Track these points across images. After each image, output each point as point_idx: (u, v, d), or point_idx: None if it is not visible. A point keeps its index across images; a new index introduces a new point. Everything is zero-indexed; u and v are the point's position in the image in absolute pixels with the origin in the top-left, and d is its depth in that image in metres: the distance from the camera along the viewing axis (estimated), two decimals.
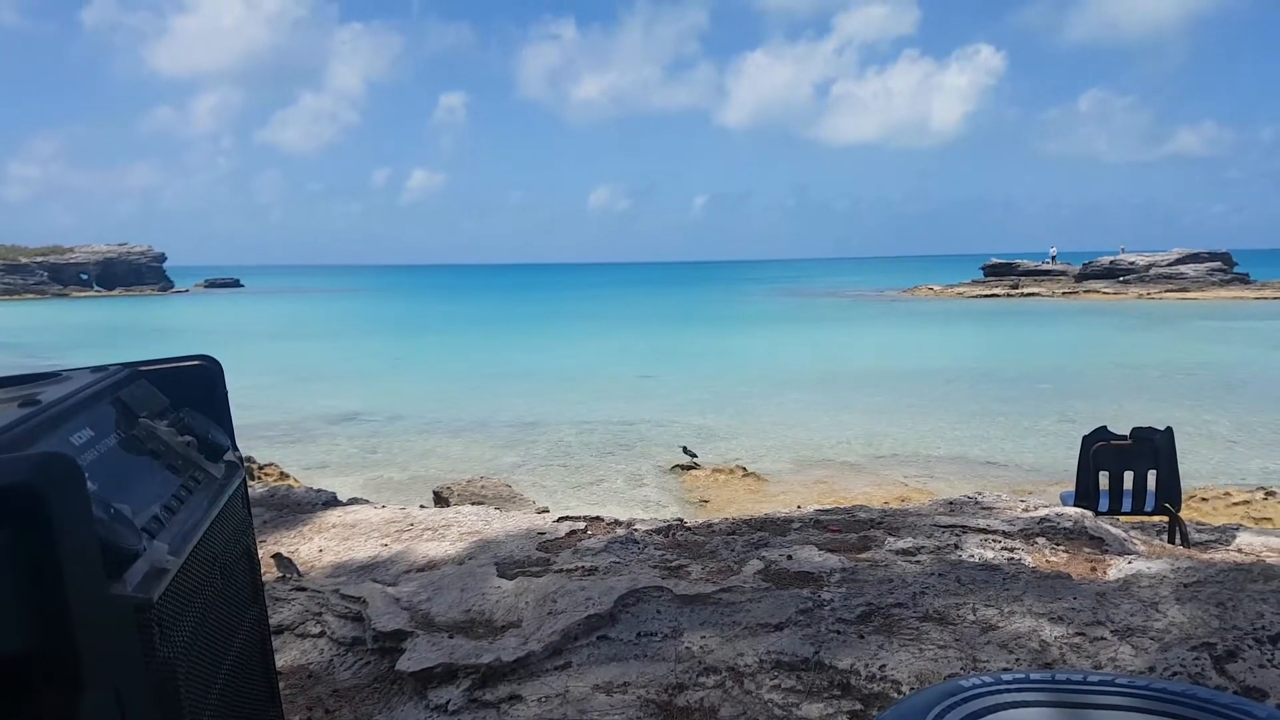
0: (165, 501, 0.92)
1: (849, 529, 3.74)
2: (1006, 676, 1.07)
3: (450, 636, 2.53)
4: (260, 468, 14.73)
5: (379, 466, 17.18)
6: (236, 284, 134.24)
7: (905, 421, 20.63)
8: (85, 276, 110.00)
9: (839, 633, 2.52)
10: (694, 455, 17.02)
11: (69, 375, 1.06)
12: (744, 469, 15.14)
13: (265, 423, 21.29)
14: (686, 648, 2.43)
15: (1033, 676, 1.08)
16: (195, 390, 1.17)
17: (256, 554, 1.26)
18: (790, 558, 3.01)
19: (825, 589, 2.76)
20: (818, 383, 26.79)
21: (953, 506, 4.16)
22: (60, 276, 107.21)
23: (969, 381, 26.66)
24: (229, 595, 1.11)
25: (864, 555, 3.19)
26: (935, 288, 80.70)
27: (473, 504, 11.43)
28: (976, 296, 70.00)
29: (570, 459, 17.03)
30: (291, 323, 61.85)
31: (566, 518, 3.82)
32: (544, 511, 10.79)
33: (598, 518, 3.83)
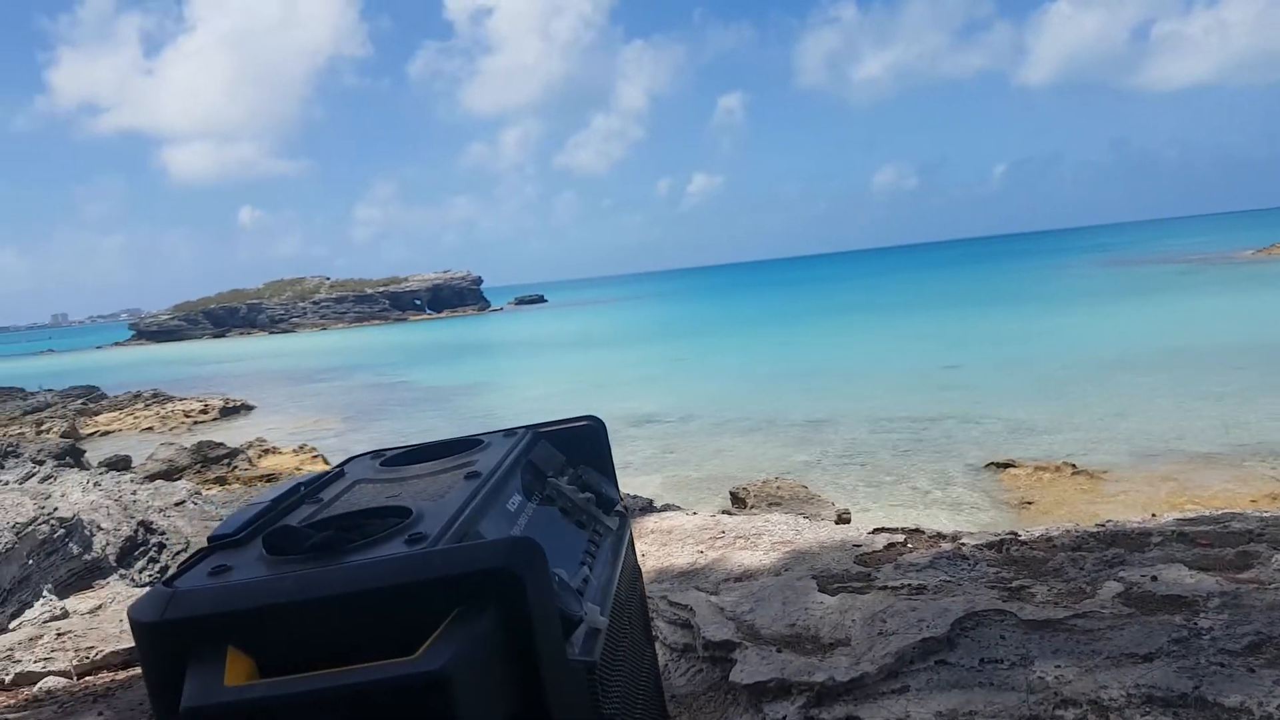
0: (581, 559, 1.02)
1: (1222, 543, 3.25)
2: None
3: (778, 650, 2.54)
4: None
5: (676, 466, 17.86)
6: (541, 299, 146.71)
7: (1269, 404, 17.68)
8: (419, 302, 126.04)
9: (1223, 665, 2.19)
10: None
11: (489, 441, 1.20)
12: (1073, 465, 13.78)
13: None
14: (1039, 677, 2.24)
15: None
16: (584, 447, 1.30)
17: (645, 596, 1.37)
18: (1155, 579, 2.67)
19: (1202, 615, 2.42)
20: (1156, 363, 23.76)
21: None
22: (399, 303, 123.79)
23: None
24: (635, 640, 1.21)
25: (1245, 575, 2.75)
26: None
27: (770, 504, 11.52)
28: None
29: (868, 458, 16.54)
30: (589, 332, 66.25)
31: (882, 529, 3.70)
32: (844, 517, 10.59)
33: (917, 529, 3.67)
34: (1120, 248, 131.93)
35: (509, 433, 1.24)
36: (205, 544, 0.90)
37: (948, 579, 2.96)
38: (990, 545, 3.42)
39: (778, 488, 11.75)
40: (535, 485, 1.11)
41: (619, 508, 1.24)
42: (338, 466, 1.21)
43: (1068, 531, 3.72)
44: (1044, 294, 55.54)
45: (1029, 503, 12.88)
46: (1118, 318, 37.69)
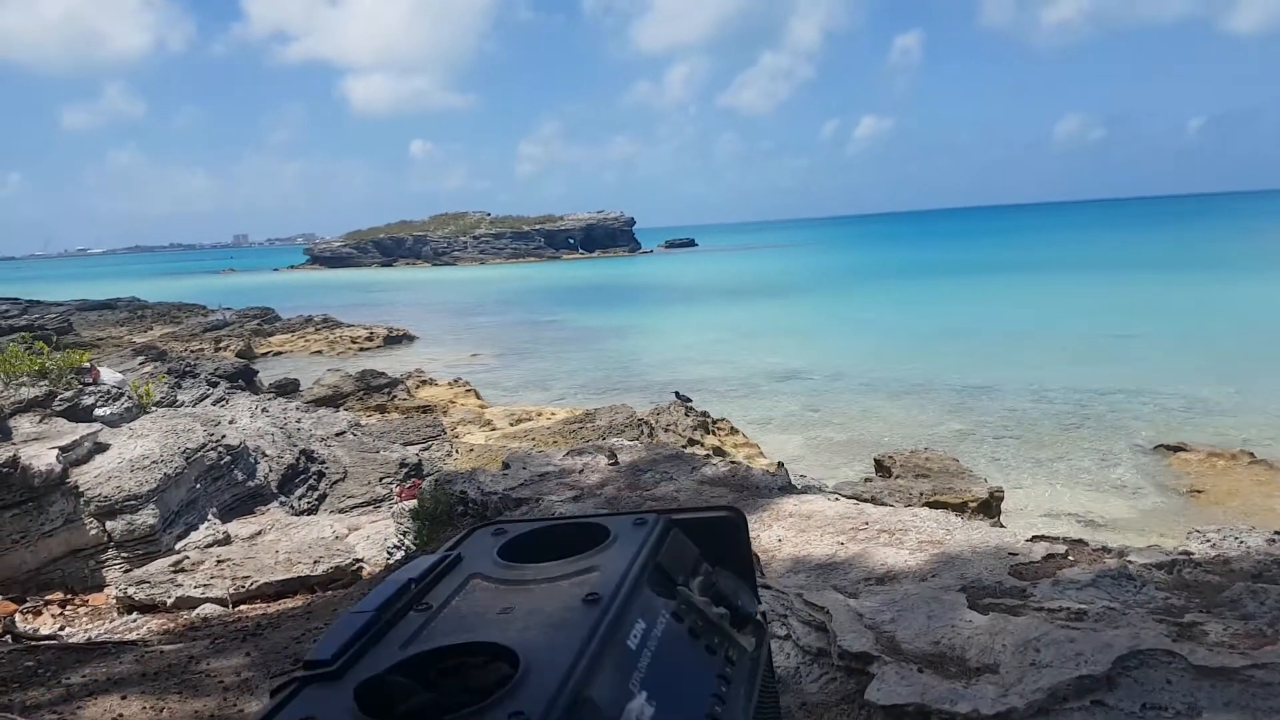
0: (710, 702, 0.92)
1: None
2: None
3: (920, 670, 2.45)
4: (714, 421, 15.96)
5: (819, 426, 17.57)
6: (691, 244, 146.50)
7: None
8: (572, 241, 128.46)
9: None
10: (688, 400, 14.51)
11: (616, 532, 1.08)
12: (1250, 454, 12.66)
13: (719, 378, 23.02)
14: None
15: None
16: (722, 542, 1.17)
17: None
18: None
19: None
20: None
21: None
22: (553, 241, 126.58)
23: None
24: None
25: None
26: None
27: (916, 475, 11.14)
28: None
29: (1027, 430, 15.74)
30: (739, 280, 65.66)
31: (1041, 537, 3.49)
32: (996, 496, 10.11)
33: (1080, 541, 3.43)
34: None
35: (639, 520, 1.12)
36: (300, 667, 0.85)
37: (1111, 604, 2.76)
38: (1160, 565, 3.16)
39: (926, 459, 11.35)
40: (662, 596, 0.98)
41: (758, 616, 1.12)
42: (457, 541, 1.15)
43: (1247, 552, 3.39)
44: (1234, 260, 50.57)
45: (1199, 491, 11.97)
46: None
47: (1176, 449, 13.53)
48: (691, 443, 14.45)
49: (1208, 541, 3.78)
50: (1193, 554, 3.41)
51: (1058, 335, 26.82)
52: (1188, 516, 10.64)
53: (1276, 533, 3.83)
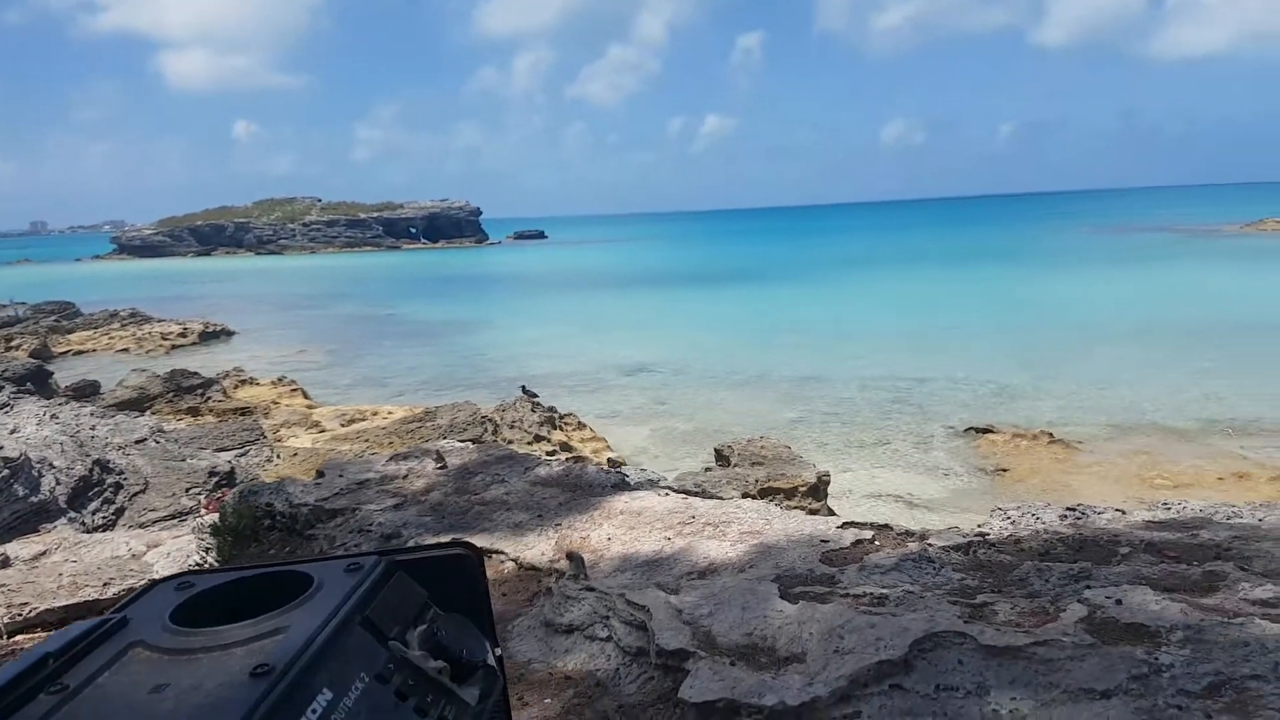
0: None
1: (1189, 555, 3.21)
2: None
3: (732, 663, 2.49)
4: (561, 416, 15.90)
5: (665, 417, 17.89)
6: (541, 235, 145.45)
7: (1246, 382, 17.83)
8: (414, 230, 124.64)
9: (1180, 709, 2.15)
10: (535, 396, 15.62)
11: (321, 580, 0.96)
12: (1050, 434, 13.88)
13: (566, 372, 22.97)
14: (994, 709, 2.20)
15: None
16: (454, 581, 1.07)
17: None
18: (1119, 602, 2.62)
19: (1164, 649, 2.37)
20: (1139, 335, 23.86)
21: None
22: (393, 230, 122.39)
23: None
24: None
25: (1210, 600, 2.70)
26: None
27: (752, 463, 11.52)
28: None
29: (853, 417, 16.61)
30: (588, 272, 65.89)
31: (852, 523, 3.64)
32: (823, 479, 10.59)
33: (886, 526, 3.61)
34: (1117, 214, 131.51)
35: (353, 566, 0.99)
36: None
37: (911, 588, 2.90)
38: (957, 547, 3.37)
39: (761, 447, 11.76)
40: (367, 659, 0.87)
41: (489, 663, 1.03)
42: (131, 599, 0.99)
43: (1037, 532, 3.67)
44: (1038, 258, 55.50)
45: (1004, 470, 12.98)
46: (1107, 285, 37.72)
47: (985, 431, 14.62)
48: (537, 439, 14.33)
49: (1009, 519, 4.08)
50: (988, 535, 3.66)
51: (882, 327, 28.51)
52: (993, 494, 11.53)
53: (1068, 509, 4.17)
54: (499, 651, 1.05)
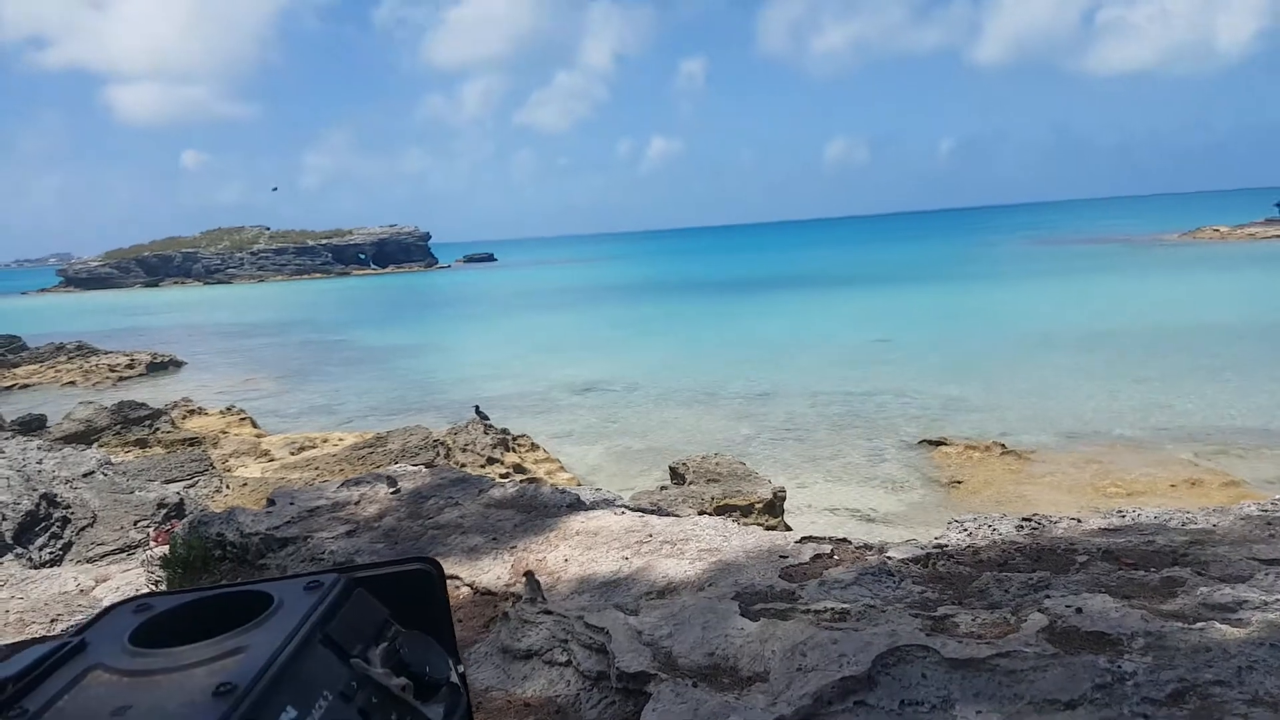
0: None
1: (1146, 562, 3.22)
2: None
3: (694, 685, 2.41)
4: (515, 438, 15.71)
5: (618, 436, 17.78)
6: (490, 258, 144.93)
7: (1191, 388, 18.29)
8: (363, 256, 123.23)
9: (1146, 716, 2.13)
10: (487, 418, 15.81)
11: (281, 599, 0.94)
12: (1002, 445, 14.05)
13: (519, 393, 22.77)
14: None
15: None
16: (414, 597, 1.05)
17: None
18: (1080, 611, 2.60)
19: (1126, 656, 2.35)
20: (1082, 344, 24.41)
21: (1272, 528, 3.49)
22: (342, 257, 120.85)
23: (1270, 341, 23.11)
24: None
25: (1169, 607, 2.70)
26: (1221, 229, 70.81)
27: (708, 480, 11.48)
28: (1273, 238, 60.65)
29: (806, 432, 16.68)
30: (538, 294, 65.66)
31: (809, 538, 3.60)
32: (779, 495, 10.58)
33: (844, 540, 3.57)
34: (1055, 226, 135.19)
35: (312, 583, 0.98)
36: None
37: (871, 602, 2.86)
38: (916, 559, 3.34)
39: (716, 464, 11.71)
40: (330, 671, 0.86)
41: (452, 680, 1.01)
42: (89, 623, 0.96)
43: (994, 543, 3.66)
44: (980, 271, 56.67)
45: (958, 482, 13.09)
46: (1049, 297, 38.62)
47: (938, 443, 14.75)
48: (491, 461, 14.13)
49: (965, 530, 4.06)
50: (946, 546, 3.63)
51: (831, 342, 28.80)
52: (949, 506, 11.62)
53: (1024, 519, 4.17)
54: (462, 669, 1.03)
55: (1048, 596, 2.78)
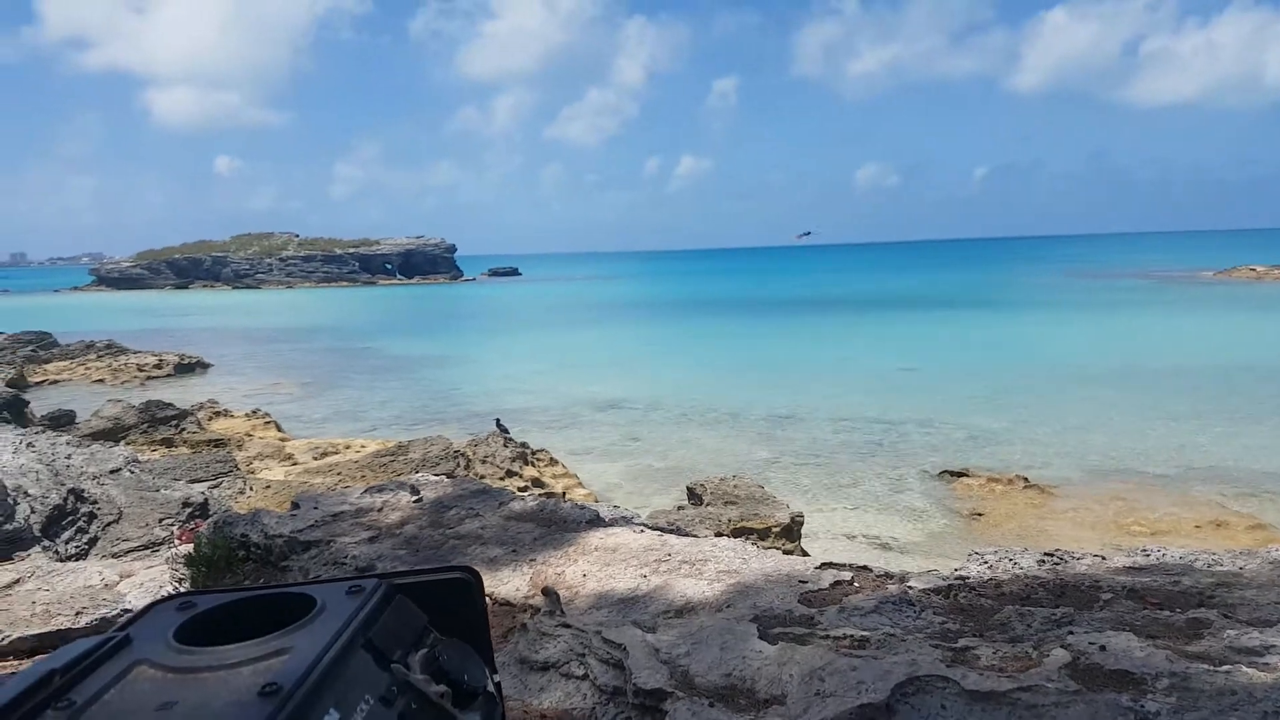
0: None
1: (1172, 602, 3.19)
2: None
3: (710, 704, 2.42)
4: (534, 452, 15.76)
5: (639, 454, 17.78)
6: (515, 272, 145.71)
7: (1222, 428, 18.02)
8: (390, 266, 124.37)
9: None
10: (507, 431, 15.66)
11: (323, 602, 0.96)
12: (1025, 479, 13.91)
13: (540, 407, 22.84)
14: None
15: None
16: (453, 605, 1.07)
17: None
18: (1103, 648, 2.58)
19: (1150, 697, 2.33)
20: (1113, 380, 24.14)
21: None
22: (369, 266, 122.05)
23: None
24: None
25: (1195, 648, 2.68)
26: (1259, 269, 69.71)
27: (725, 502, 11.46)
28: None
29: (827, 458, 16.60)
30: (562, 310, 65.91)
31: (830, 564, 3.59)
32: (797, 520, 10.53)
33: (865, 567, 3.56)
34: (1090, 259, 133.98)
35: (354, 588, 0.99)
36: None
37: (892, 630, 2.85)
38: (938, 590, 3.33)
39: (734, 486, 11.69)
40: (372, 676, 0.88)
41: (489, 689, 1.03)
42: (133, 618, 0.98)
43: (1017, 576, 3.64)
44: (1012, 301, 56.21)
45: (979, 514, 12.96)
46: (1081, 330, 38.24)
47: (960, 474, 14.63)
48: (510, 474, 14.19)
49: (985, 563, 4.04)
50: (968, 578, 3.61)
51: (857, 368, 28.65)
52: (969, 538, 11.50)
53: (1046, 554, 4.14)
54: (498, 678, 1.05)
55: (1071, 632, 2.76)
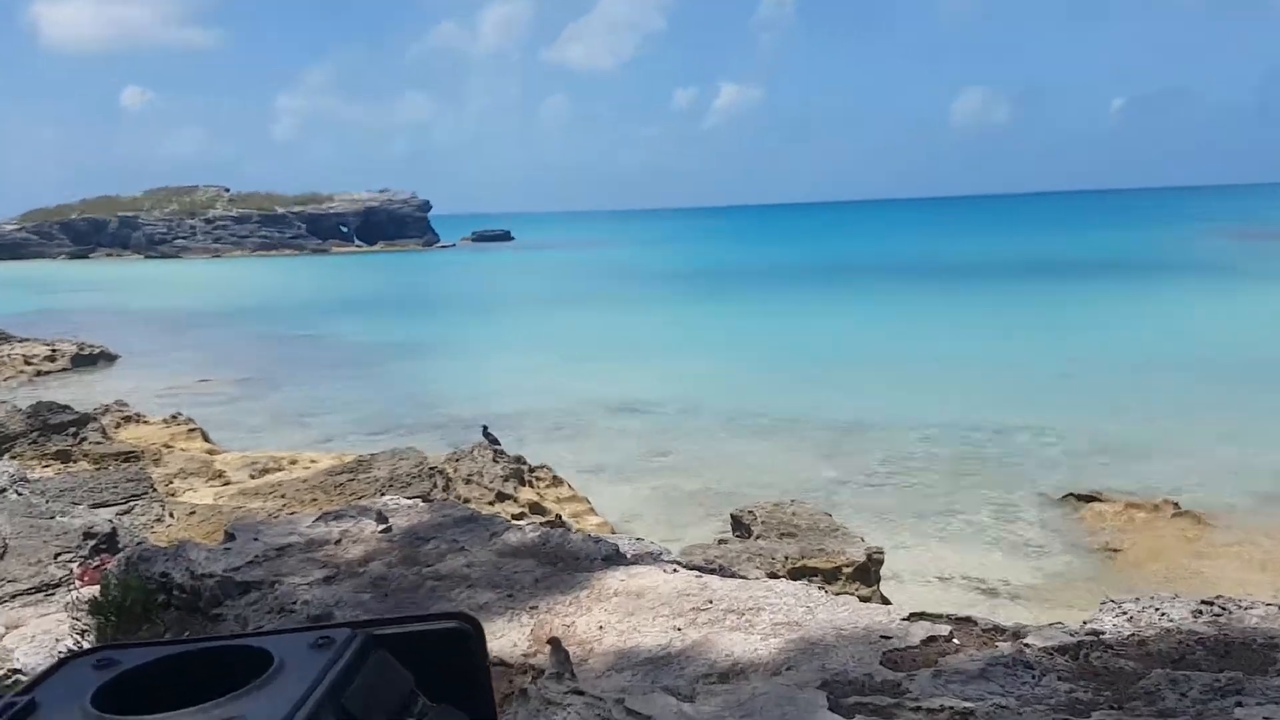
0: None
1: None
2: None
3: None
4: (532, 469, 15.85)
5: (667, 473, 17.82)
6: (506, 236, 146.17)
7: None
8: (345, 229, 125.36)
9: None
10: (497, 442, 15.58)
11: (282, 659, 0.95)
12: (1174, 504, 13.80)
13: (538, 411, 22.93)
14: None
15: None
16: (447, 662, 1.06)
17: None
18: None
19: None
20: None
21: None
22: (318, 229, 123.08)
23: None
24: None
25: None
26: None
27: (781, 534, 11.48)
28: None
29: (912, 477, 16.57)
30: (567, 284, 66.05)
31: (922, 615, 3.60)
32: (875, 557, 10.53)
33: (968, 619, 3.57)
34: (1259, 215, 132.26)
35: (323, 639, 0.98)
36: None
37: (1003, 701, 2.86)
38: (1063, 649, 3.33)
39: (793, 514, 11.70)
40: None
41: None
42: (39, 679, 0.98)
43: (1166, 631, 3.63)
44: (1155, 271, 55.59)
45: (1115, 550, 12.90)
46: (1246, 308, 37.75)
47: (1089, 499, 14.53)
48: (501, 497, 14.28)
49: (1124, 614, 4.03)
50: (1103, 633, 3.61)
51: (950, 360, 28.48)
52: (1102, 582, 11.43)
53: (1204, 602, 4.12)
54: None
55: (1239, 704, 2.76)
